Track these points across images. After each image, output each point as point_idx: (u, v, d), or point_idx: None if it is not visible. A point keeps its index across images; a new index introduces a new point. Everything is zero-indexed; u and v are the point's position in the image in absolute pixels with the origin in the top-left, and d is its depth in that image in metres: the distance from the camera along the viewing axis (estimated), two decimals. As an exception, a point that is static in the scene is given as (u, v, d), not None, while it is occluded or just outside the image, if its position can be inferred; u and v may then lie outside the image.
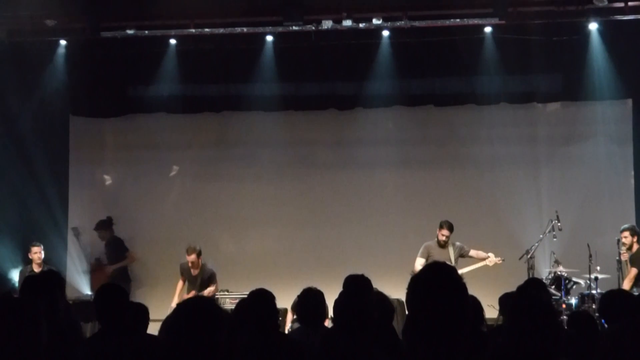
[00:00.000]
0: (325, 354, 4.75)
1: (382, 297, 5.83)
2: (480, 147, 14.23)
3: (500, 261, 12.23)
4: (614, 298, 6.50)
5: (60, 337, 4.77)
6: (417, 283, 2.96)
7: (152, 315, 6.20)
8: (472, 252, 12.37)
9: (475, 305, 6.39)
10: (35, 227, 14.00)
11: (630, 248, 11.62)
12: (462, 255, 12.27)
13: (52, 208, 14.42)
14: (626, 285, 11.23)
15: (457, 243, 12.30)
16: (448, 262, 11.40)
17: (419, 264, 12.03)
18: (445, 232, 12.10)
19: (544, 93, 14.08)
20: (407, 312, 3.05)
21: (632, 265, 11.55)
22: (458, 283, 2.91)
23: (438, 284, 2.89)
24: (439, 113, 14.37)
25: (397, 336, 5.74)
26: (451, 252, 12.12)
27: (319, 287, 6.11)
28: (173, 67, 13.98)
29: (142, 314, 5.96)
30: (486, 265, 12.21)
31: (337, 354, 4.24)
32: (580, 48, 13.26)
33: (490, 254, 12.31)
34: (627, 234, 11.66)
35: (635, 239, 11.65)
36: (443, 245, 12.15)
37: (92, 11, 13.28)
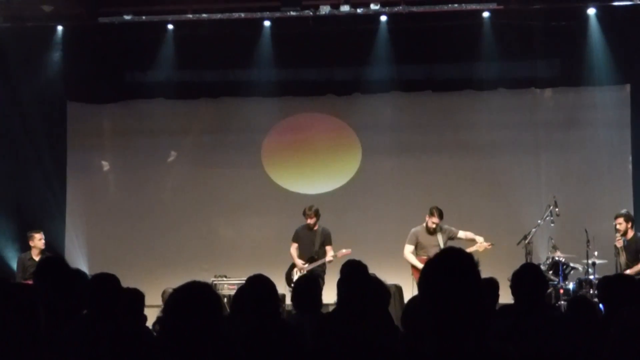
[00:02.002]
0: (322, 339, 4.76)
1: (378, 283, 5.84)
2: (479, 132, 14.24)
3: (490, 246, 11.97)
4: (613, 282, 6.50)
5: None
6: (432, 266, 2.94)
7: (148, 301, 6.23)
8: (461, 234, 12.15)
9: (492, 285, 6.43)
10: (33, 213, 13.99)
11: (625, 234, 11.58)
12: (451, 238, 12.02)
13: (50, 194, 14.43)
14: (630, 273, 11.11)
15: (445, 226, 12.08)
16: (437, 248, 11.39)
17: (408, 251, 11.99)
18: (435, 219, 11.89)
19: (542, 78, 14.09)
20: (416, 295, 3.03)
21: (628, 252, 11.51)
22: (473, 269, 2.89)
23: (452, 269, 2.87)
24: (436, 99, 14.36)
25: (393, 322, 5.75)
26: (440, 238, 11.94)
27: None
28: (170, 52, 13.95)
29: (137, 300, 5.98)
30: (477, 251, 11.92)
31: (333, 339, 4.25)
32: (579, 33, 13.26)
33: (480, 238, 12.05)
34: (621, 220, 11.61)
35: (629, 225, 11.60)
36: (432, 231, 12.01)
37: (89, -3, 13.27)
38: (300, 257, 12.37)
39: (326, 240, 12.33)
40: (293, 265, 12.42)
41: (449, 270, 2.87)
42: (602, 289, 6.67)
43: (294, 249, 12.45)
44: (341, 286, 5.34)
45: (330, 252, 12.24)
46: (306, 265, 12.21)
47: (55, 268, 5.26)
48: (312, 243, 12.33)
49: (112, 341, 4.50)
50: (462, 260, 2.90)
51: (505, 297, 6.33)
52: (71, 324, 4.72)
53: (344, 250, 11.94)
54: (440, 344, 2.79)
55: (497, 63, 13.72)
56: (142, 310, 6.11)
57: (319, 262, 12.21)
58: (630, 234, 11.58)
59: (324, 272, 12.09)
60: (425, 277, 2.91)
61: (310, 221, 12.31)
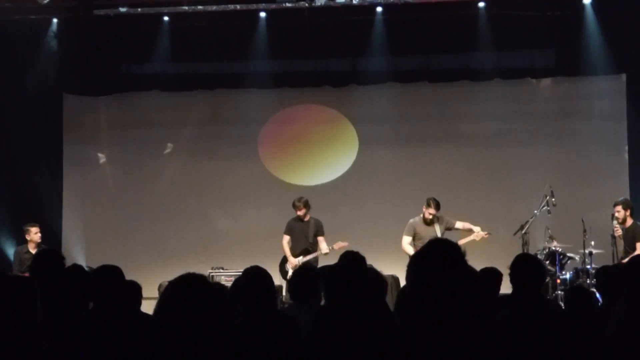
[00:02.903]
0: (319, 330, 4.76)
1: (375, 273, 5.86)
2: (474, 123, 14.24)
3: (487, 235, 11.97)
4: (612, 272, 6.51)
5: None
6: (419, 258, 2.93)
7: (145, 293, 6.23)
8: (458, 224, 12.10)
9: (495, 276, 6.43)
10: (29, 206, 13.97)
11: (623, 222, 11.53)
12: (448, 228, 12.00)
13: (46, 187, 14.40)
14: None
15: (443, 217, 12.05)
16: None
17: (406, 242, 11.96)
18: (432, 210, 11.81)
19: (538, 69, 14.08)
20: (405, 286, 3.02)
21: (625, 241, 11.47)
22: (460, 260, 2.88)
23: (439, 260, 2.87)
24: (432, 89, 14.36)
25: (390, 312, 5.76)
26: (437, 228, 11.90)
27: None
28: (166, 44, 13.93)
29: (134, 292, 5.99)
30: (474, 240, 11.85)
31: (331, 330, 4.25)
32: (574, 23, 13.25)
33: (477, 228, 12.03)
34: (619, 207, 11.53)
35: (628, 213, 11.50)
36: (429, 222, 11.95)
37: (84, -11, 13.22)
38: (293, 249, 12.36)
39: (319, 231, 12.33)
40: (286, 257, 12.41)
41: (435, 261, 2.87)
42: (601, 279, 6.68)
43: (285, 242, 12.44)
44: (339, 277, 5.35)
45: (322, 243, 12.23)
46: (300, 258, 12.20)
47: (51, 260, 5.27)
48: (305, 235, 12.32)
49: (116, 333, 4.50)
50: (448, 251, 2.89)
51: (503, 287, 6.34)
52: (75, 318, 4.72)
53: (340, 243, 11.90)
54: (431, 334, 2.79)
55: (493, 53, 13.73)
56: (140, 302, 6.11)
57: (314, 255, 12.20)
58: (629, 222, 11.49)
59: (316, 263, 12.07)
60: (412, 269, 2.91)
61: (300, 213, 12.30)
